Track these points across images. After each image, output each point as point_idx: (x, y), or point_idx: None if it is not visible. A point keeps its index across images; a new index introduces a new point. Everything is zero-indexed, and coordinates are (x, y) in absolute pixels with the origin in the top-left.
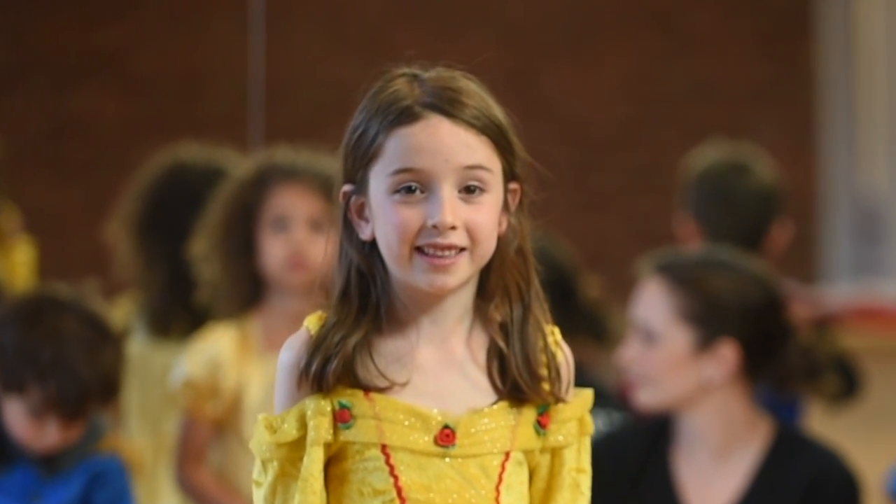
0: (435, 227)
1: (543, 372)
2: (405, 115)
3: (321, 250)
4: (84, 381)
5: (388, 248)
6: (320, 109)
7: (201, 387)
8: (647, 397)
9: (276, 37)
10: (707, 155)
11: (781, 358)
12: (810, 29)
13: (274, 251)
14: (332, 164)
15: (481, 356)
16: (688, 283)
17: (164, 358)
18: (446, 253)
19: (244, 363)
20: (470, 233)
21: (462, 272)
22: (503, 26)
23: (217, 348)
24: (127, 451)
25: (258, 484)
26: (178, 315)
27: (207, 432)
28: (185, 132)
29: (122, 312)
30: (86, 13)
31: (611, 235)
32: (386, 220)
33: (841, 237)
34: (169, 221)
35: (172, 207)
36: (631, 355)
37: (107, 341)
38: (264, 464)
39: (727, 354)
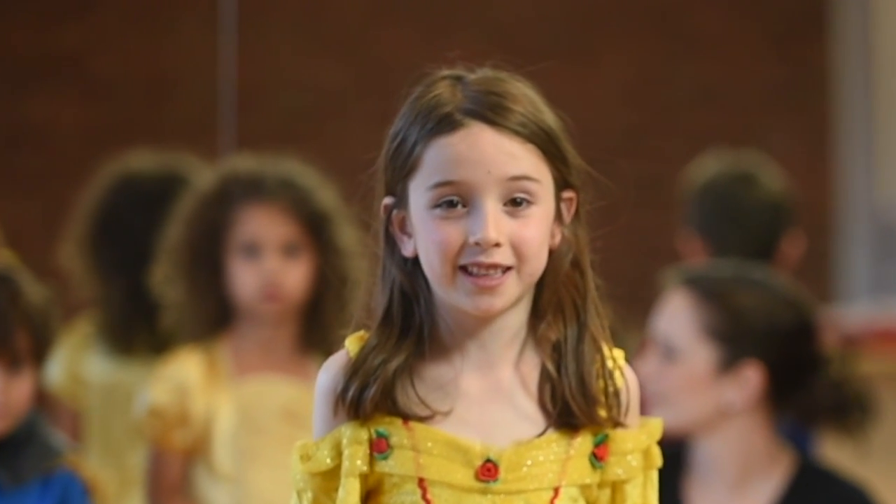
0: (478, 244)
1: (601, 397)
2: (445, 124)
3: (296, 277)
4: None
5: (430, 267)
6: (296, 115)
7: (168, 415)
8: (662, 418)
9: (248, 37)
10: (710, 165)
11: (809, 389)
12: (825, 29)
13: (245, 280)
14: (302, 174)
15: (532, 382)
16: (715, 297)
17: (127, 382)
18: (491, 272)
19: (213, 390)
20: (516, 250)
21: (509, 293)
22: (493, 26)
23: (183, 374)
24: (88, 474)
25: None
26: (140, 330)
27: (178, 464)
28: (150, 140)
29: (78, 337)
30: (41, 12)
31: (609, 249)
32: (426, 237)
33: (859, 253)
34: (123, 233)
35: (125, 218)
36: (648, 371)
37: (30, 288)
38: (299, 494)
39: (751, 377)
